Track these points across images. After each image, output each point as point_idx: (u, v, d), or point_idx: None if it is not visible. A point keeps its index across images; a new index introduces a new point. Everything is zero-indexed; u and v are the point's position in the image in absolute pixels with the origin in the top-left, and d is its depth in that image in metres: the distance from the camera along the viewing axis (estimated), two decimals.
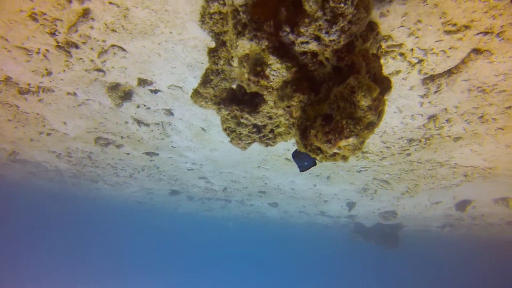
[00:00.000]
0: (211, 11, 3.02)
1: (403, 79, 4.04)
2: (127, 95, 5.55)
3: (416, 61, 3.71)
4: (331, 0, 2.07)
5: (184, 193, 13.99)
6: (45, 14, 3.74)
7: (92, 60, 4.60)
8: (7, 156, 11.12)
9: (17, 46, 4.40)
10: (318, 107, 2.19)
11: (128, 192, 15.33)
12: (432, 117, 4.83)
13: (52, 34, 4.06)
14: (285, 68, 2.38)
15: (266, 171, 9.04)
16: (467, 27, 3.12)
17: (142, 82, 5.09)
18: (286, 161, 7.92)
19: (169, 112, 6.05)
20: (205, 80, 3.34)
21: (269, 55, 2.36)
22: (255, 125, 3.34)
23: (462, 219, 11.92)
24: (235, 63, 3.07)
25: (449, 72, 3.80)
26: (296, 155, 3.08)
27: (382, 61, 3.70)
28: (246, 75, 2.50)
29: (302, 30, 2.24)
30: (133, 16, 3.65)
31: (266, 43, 2.35)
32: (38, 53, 4.53)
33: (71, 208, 36.34)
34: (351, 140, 1.96)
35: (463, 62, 3.59)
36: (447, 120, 4.83)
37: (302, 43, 2.30)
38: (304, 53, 2.37)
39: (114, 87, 5.33)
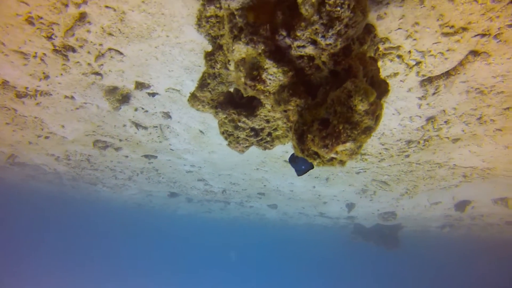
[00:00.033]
0: (208, 14, 3.01)
1: (401, 81, 4.04)
2: (124, 98, 5.53)
3: (414, 63, 3.71)
4: (327, 3, 2.06)
5: (183, 195, 13.97)
6: (41, 18, 3.73)
7: (89, 64, 4.59)
8: (6, 159, 11.09)
9: (13, 50, 4.38)
10: (315, 111, 2.18)
11: (127, 194, 15.30)
12: (430, 119, 4.82)
13: (49, 38, 4.04)
14: (282, 72, 2.36)
15: (265, 173, 9.02)
16: (464, 29, 3.12)
17: (140, 85, 5.08)
18: (284, 163, 7.91)
19: (167, 115, 6.03)
20: (202, 84, 3.32)
21: (265, 59, 2.35)
22: (252, 129, 3.32)
23: (462, 220, 11.92)
24: (231, 66, 3.06)
25: (447, 74, 3.80)
26: (293, 160, 3.06)
27: (379, 63, 3.70)
28: (242, 80, 2.49)
29: (298, 34, 2.23)
30: (129, 19, 3.64)
31: (262, 47, 2.33)
32: (35, 56, 4.51)
33: (70, 211, 36.23)
34: (348, 145, 1.95)
35: (461, 64, 3.59)
36: (445, 122, 4.82)
37: (299, 47, 2.29)
38: (301, 57, 2.36)
39: (111, 91, 5.31)
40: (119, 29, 3.84)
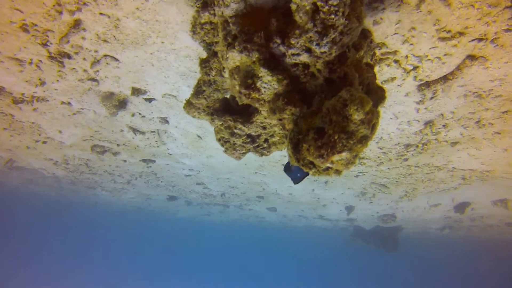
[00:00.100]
0: (202, 21, 2.98)
1: (398, 85, 4.01)
2: (121, 104, 5.51)
3: (411, 67, 3.68)
4: (322, 11, 2.03)
5: (182, 199, 13.93)
6: (36, 25, 3.70)
7: (85, 70, 4.56)
8: (4, 163, 11.06)
9: (9, 57, 4.35)
10: (310, 120, 2.15)
11: (126, 198, 15.27)
12: (428, 123, 4.80)
13: (44, 44, 4.02)
14: (276, 81, 2.33)
15: (263, 176, 8.99)
16: (461, 33, 3.10)
17: (136, 91, 5.05)
18: (283, 167, 7.87)
19: (164, 120, 6.00)
20: (198, 91, 3.29)
21: (260, 67, 2.32)
22: (249, 135, 3.29)
23: (461, 221, 11.89)
24: (226, 74, 3.03)
25: (444, 78, 3.77)
26: (288, 168, 3.02)
27: (376, 69, 3.67)
28: (237, 88, 2.46)
29: (292, 42, 2.20)
30: (124, 26, 3.62)
31: (256, 55, 2.30)
32: (30, 63, 4.49)
33: (69, 214, 36.17)
34: (344, 154, 1.92)
35: (459, 68, 3.57)
36: (443, 126, 4.80)
37: (293, 54, 2.26)
38: (296, 64, 2.33)
39: (108, 96, 5.28)
40: (114, 36, 3.81)
